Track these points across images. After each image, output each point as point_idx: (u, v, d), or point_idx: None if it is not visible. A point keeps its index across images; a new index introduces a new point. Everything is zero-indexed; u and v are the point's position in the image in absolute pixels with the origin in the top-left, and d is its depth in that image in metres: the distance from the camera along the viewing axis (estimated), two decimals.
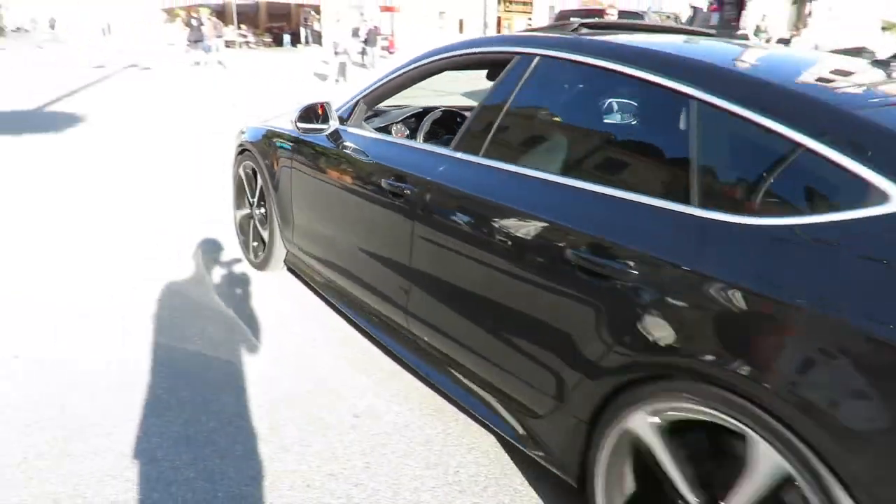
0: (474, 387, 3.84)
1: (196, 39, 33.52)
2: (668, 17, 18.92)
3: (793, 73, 3.28)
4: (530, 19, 58.38)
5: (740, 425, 2.66)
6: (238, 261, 6.67)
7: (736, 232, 2.77)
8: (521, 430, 3.61)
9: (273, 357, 5.14)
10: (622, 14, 16.35)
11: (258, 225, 6.20)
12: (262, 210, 6.07)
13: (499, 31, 56.87)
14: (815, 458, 2.49)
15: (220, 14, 51.73)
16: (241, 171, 6.31)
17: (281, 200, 5.64)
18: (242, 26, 52.92)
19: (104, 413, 4.38)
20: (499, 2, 56.90)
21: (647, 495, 3.05)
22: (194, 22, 36.80)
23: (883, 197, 2.56)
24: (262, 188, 5.98)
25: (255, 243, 6.33)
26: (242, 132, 6.33)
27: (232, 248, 6.94)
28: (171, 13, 56.72)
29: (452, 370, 3.98)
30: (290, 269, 6.10)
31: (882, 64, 3.54)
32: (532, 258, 3.33)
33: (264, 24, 56.68)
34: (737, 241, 2.76)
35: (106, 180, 9.52)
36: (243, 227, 6.53)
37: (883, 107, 2.86)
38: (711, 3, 26.04)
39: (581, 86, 3.70)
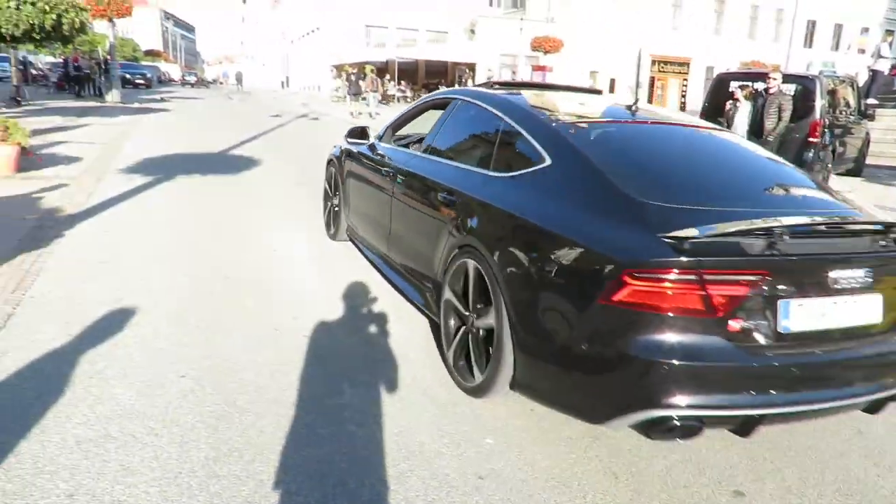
0: (412, 279, 6.63)
1: (355, 93, 35.78)
2: (843, 80, 18.33)
3: (557, 106, 6.30)
4: (685, 81, 57.98)
5: (481, 268, 5.41)
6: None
7: (499, 180, 5.67)
8: (426, 300, 6.32)
9: (401, 407, 5.38)
10: (787, 77, 16.06)
11: (333, 209, 9.35)
12: (337, 200, 9.19)
13: (651, 91, 56.63)
14: (498, 280, 5.20)
15: (382, 71, 53.22)
16: (327, 175, 9.65)
17: (344, 192, 8.84)
18: (402, 82, 54.45)
19: (249, 440, 4.67)
20: (653, 63, 56.74)
21: (460, 315, 5.80)
22: (353, 77, 38.33)
23: (542, 159, 5.43)
24: (336, 184, 9.15)
25: (333, 224, 9.43)
26: (332, 150, 9.52)
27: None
28: (339, 69, 58.71)
29: (404, 274, 6.83)
30: (349, 238, 8.81)
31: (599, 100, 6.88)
32: (431, 198, 6.34)
33: (422, 81, 58.16)
34: (499, 184, 5.64)
35: (274, 212, 10.61)
36: (329, 215, 9.57)
37: (574, 123, 5.73)
38: (893, 68, 25.30)
39: (468, 114, 6.75)
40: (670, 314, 4.37)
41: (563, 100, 6.74)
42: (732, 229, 4.44)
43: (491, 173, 5.80)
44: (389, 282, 7.05)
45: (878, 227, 4.82)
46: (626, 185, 4.87)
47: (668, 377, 4.36)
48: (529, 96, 6.60)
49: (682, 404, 4.34)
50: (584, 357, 4.55)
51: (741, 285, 4.43)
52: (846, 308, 4.67)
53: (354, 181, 8.47)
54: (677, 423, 4.37)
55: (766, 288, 4.50)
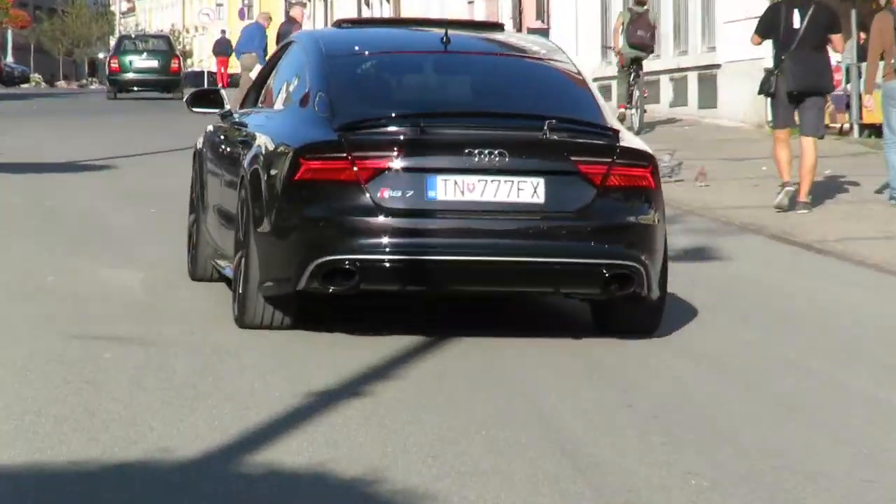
0: None
1: None
2: None
3: (362, 42, 7.54)
4: None
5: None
6: None
7: (277, 114, 7.17)
8: None
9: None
10: None
11: (196, 228, 8.91)
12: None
13: None
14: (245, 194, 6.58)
15: None
16: (193, 177, 9.12)
17: (204, 195, 8.31)
18: None
19: None
20: None
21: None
22: None
23: (306, 89, 6.73)
24: (203, 187, 8.54)
25: None
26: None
27: None
28: None
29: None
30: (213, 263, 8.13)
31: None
32: (248, 144, 6.99)
33: None
34: (276, 117, 7.09)
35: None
36: (190, 238, 8.89)
37: (351, 55, 7.17)
38: None
39: (291, 57, 7.47)
40: (332, 183, 6.16)
41: (382, 36, 8.24)
42: (384, 120, 6.34)
43: (276, 109, 7.37)
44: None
45: (542, 124, 6.27)
46: (340, 102, 6.54)
47: (333, 231, 6.15)
48: (346, 34, 7.85)
49: (346, 252, 6.09)
50: (283, 226, 6.23)
51: (381, 160, 6.18)
52: (493, 187, 6.16)
53: (212, 171, 7.99)
54: (347, 267, 6.07)
55: (408, 164, 6.22)
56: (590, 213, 6.25)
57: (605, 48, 25.99)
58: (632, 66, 20.75)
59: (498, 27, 9.15)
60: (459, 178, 6.15)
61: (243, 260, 6.47)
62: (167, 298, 7.48)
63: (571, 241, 6.29)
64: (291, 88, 7.17)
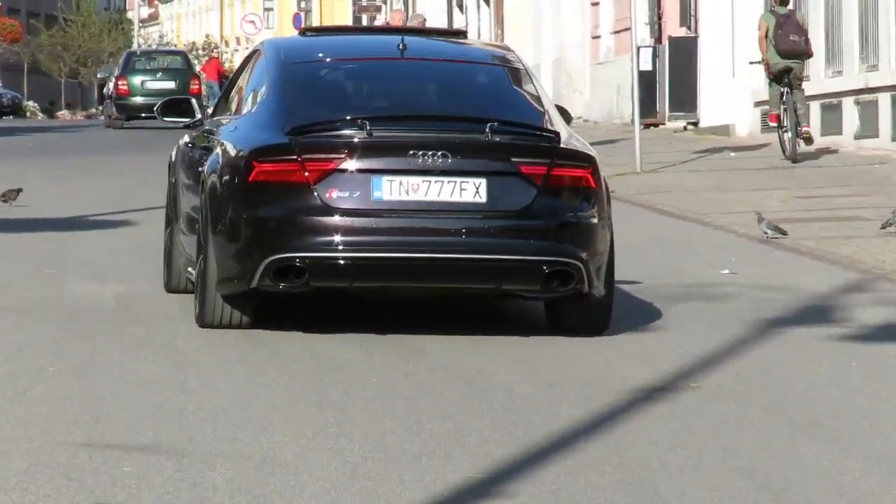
0: None
1: None
2: None
3: (323, 49, 9.48)
4: None
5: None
6: None
7: (240, 119, 8.91)
8: None
9: None
10: None
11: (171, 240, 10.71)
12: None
13: None
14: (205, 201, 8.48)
15: None
16: (168, 190, 10.90)
17: (177, 206, 10.08)
18: None
19: None
20: None
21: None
22: None
23: (266, 95, 8.84)
24: (176, 200, 10.34)
25: None
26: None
27: None
28: None
29: None
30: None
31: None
32: (209, 150, 8.77)
33: None
34: (240, 122, 8.82)
35: None
36: (166, 251, 10.59)
37: (311, 62, 9.25)
38: None
39: (255, 65, 9.30)
40: (284, 184, 7.94)
41: (342, 43, 10.31)
42: (332, 124, 8.19)
43: (238, 115, 9.06)
44: None
45: (485, 126, 8.02)
46: (294, 108, 8.40)
47: (284, 230, 7.91)
48: (307, 42, 10.02)
49: (296, 250, 7.83)
50: (237, 226, 7.96)
51: (329, 162, 7.92)
52: (436, 187, 7.86)
53: (182, 181, 9.76)
54: (297, 264, 7.83)
55: (355, 165, 7.98)
56: (531, 212, 7.93)
57: (751, 63, 24.91)
58: (784, 78, 20.71)
59: (460, 34, 12.09)
60: (404, 178, 7.91)
61: (202, 260, 8.18)
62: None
63: (512, 239, 8.05)
64: (252, 95, 9.00)
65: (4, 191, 16.07)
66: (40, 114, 68.04)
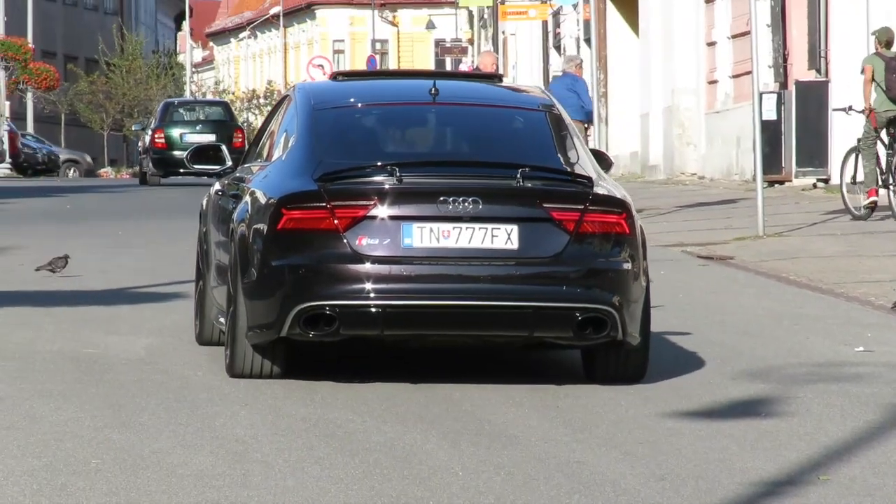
0: None
1: None
2: None
3: (356, 93, 10.68)
4: None
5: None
6: None
7: (270, 166, 10.02)
8: None
9: None
10: None
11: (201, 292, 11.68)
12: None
13: None
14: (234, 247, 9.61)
15: None
16: (198, 241, 12.15)
17: (208, 257, 11.16)
18: None
19: None
20: None
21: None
22: None
23: (294, 141, 9.77)
24: (207, 251, 11.39)
25: None
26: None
27: None
28: None
29: None
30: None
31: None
32: (239, 198, 9.98)
33: None
34: (270, 169, 9.94)
35: None
36: (197, 304, 11.65)
37: (341, 108, 10.33)
38: None
39: (286, 110, 10.40)
40: (313, 232, 8.82)
41: (373, 88, 11.54)
42: (362, 170, 9.15)
43: (268, 162, 10.10)
44: None
45: (516, 172, 8.98)
46: (323, 154, 9.35)
47: (313, 278, 8.80)
48: (337, 87, 11.20)
49: (325, 298, 8.72)
50: (267, 274, 8.88)
51: (359, 209, 8.79)
52: (467, 234, 8.75)
53: (213, 230, 10.86)
54: (328, 312, 8.72)
55: (385, 212, 8.83)
56: (563, 258, 8.83)
57: (846, 111, 23.89)
58: (891, 129, 21.06)
59: (496, 77, 13.84)
60: (435, 225, 8.80)
61: (232, 309, 9.10)
62: None
63: (544, 286, 8.94)
64: (283, 141, 10.03)
65: (51, 258, 16.38)
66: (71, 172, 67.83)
